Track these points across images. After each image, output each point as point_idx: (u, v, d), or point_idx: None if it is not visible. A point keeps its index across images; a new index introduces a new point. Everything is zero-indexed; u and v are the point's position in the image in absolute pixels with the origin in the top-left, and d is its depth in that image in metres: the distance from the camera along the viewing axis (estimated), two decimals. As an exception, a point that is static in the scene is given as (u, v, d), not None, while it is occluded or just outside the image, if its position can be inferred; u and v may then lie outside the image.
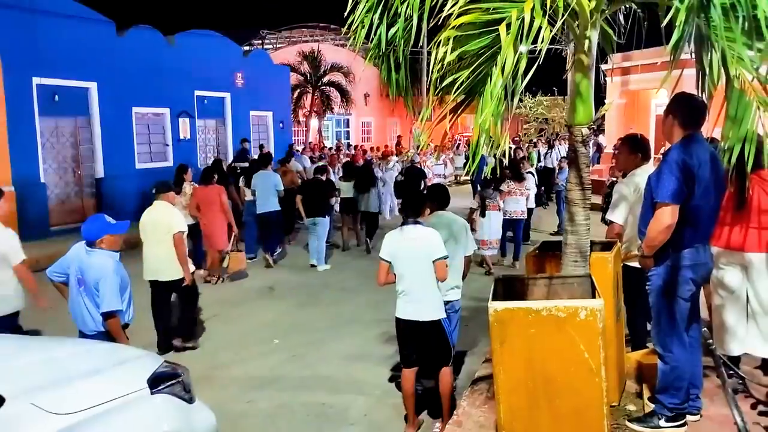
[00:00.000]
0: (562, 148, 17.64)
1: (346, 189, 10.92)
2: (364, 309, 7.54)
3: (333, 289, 8.64)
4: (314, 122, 23.81)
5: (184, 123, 15.10)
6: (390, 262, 4.34)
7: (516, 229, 9.61)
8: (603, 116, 20.11)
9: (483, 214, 8.86)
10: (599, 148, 21.56)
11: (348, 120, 28.67)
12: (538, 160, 18.62)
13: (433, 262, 4.22)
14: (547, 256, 4.45)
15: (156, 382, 3.16)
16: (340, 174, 12.10)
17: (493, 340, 3.44)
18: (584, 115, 3.98)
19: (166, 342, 6.07)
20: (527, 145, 21.81)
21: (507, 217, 9.39)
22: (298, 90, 22.60)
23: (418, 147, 18.39)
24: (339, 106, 23.66)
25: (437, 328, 4.34)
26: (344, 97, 23.36)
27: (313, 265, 9.60)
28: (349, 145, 24.07)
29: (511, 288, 3.87)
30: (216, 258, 8.52)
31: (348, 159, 14.55)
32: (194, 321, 6.52)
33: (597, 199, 11.39)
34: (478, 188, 13.42)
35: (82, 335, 4.19)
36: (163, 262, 5.91)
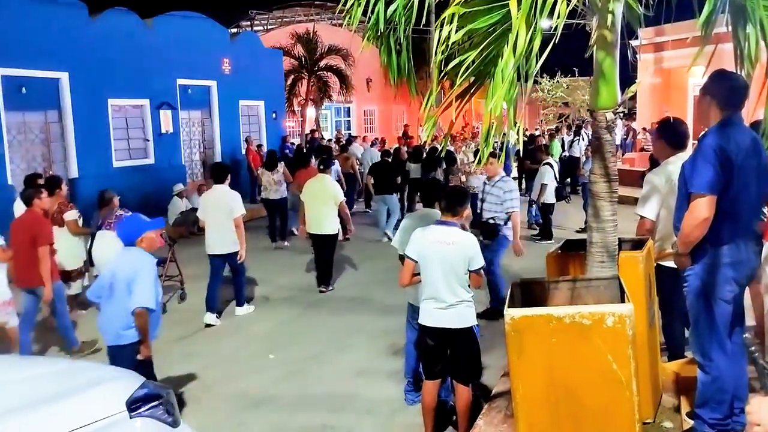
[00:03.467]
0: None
1: (414, 170, 13.16)
2: (370, 318, 7.56)
3: (335, 296, 8.66)
4: (311, 111, 23.82)
5: (165, 115, 15.17)
6: (416, 262, 4.39)
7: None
8: (634, 98, 20.04)
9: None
10: (633, 133, 21.49)
11: (348, 108, 28.70)
12: (562, 149, 18.58)
13: (470, 271, 4.29)
14: (571, 257, 4.45)
15: (135, 404, 3.18)
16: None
17: (510, 352, 3.44)
18: (608, 97, 3.98)
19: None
20: (547, 132, 21.77)
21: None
22: (293, 76, 22.57)
23: (432, 138, 18.54)
24: (338, 93, 23.65)
25: (468, 337, 4.39)
26: (344, 83, 23.33)
27: (386, 236, 11.71)
28: (350, 136, 24.13)
29: (529, 293, 3.87)
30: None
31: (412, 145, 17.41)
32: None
33: (628, 191, 11.45)
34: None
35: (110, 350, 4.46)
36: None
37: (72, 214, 7.72)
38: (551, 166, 11.62)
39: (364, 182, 14.50)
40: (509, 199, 7.16)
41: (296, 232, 11.06)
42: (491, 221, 7.27)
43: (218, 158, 16.99)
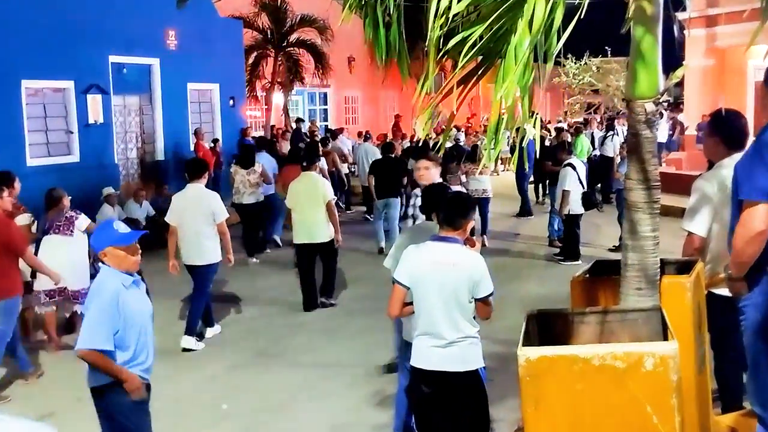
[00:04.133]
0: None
1: None
2: (352, 356, 7.56)
3: (311, 327, 8.66)
4: (278, 97, 23.84)
5: (94, 101, 15.10)
6: (408, 288, 4.40)
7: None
8: (681, 85, 20.18)
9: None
10: (680, 128, 21.58)
11: (325, 95, 28.76)
12: (593, 147, 18.70)
13: (476, 300, 4.29)
14: (601, 282, 4.46)
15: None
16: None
17: (525, 401, 3.44)
18: (648, 84, 4.02)
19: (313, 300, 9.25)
20: (573, 125, 21.92)
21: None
22: (255, 53, 22.59)
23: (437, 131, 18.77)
24: (312, 76, 23.68)
25: (473, 383, 4.39)
26: (319, 63, 23.39)
27: (381, 250, 12.22)
28: (327, 129, 24.14)
29: (549, 327, 3.88)
30: None
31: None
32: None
33: (673, 200, 11.53)
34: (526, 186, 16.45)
35: None
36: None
37: (24, 218, 7.80)
38: (574, 168, 11.59)
39: (363, 184, 15.26)
40: None
41: (279, 241, 11.79)
42: None
43: (160, 155, 16.98)
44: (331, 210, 9.29)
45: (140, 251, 4.47)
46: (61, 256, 7.67)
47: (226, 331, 8.63)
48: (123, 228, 4.46)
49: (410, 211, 7.21)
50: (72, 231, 7.89)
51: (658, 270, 4.12)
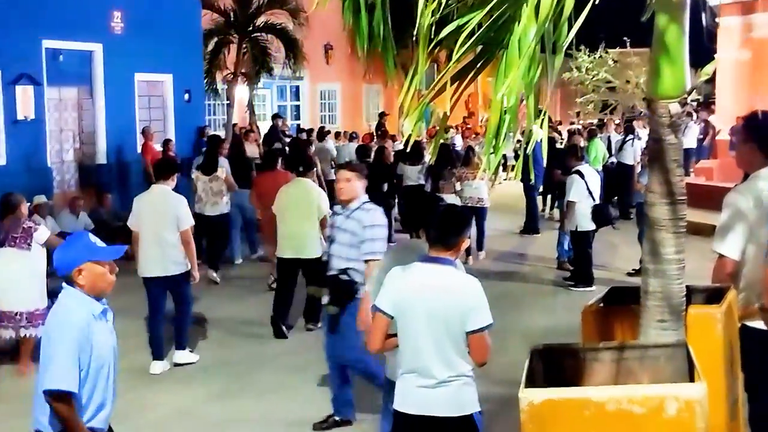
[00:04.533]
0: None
1: (411, 174, 14.18)
2: (323, 400, 7.50)
3: (278, 362, 8.63)
4: (242, 91, 23.82)
5: (24, 94, 15.02)
6: (392, 317, 4.38)
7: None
8: (712, 81, 20.28)
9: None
10: (711, 132, 21.65)
11: (297, 88, 28.76)
12: (609, 153, 18.79)
13: (468, 333, 4.26)
14: (617, 312, 4.48)
15: None
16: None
17: (528, 453, 3.44)
18: (673, 82, 4.05)
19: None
20: (587, 127, 22.06)
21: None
22: (216, 39, 22.58)
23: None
24: (283, 66, 23.70)
25: (467, 429, 4.36)
26: (291, 51, 23.40)
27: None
28: (299, 129, 24.11)
29: (556, 364, 3.89)
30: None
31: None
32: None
33: (703, 216, 11.54)
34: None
35: None
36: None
37: None
38: (582, 176, 11.51)
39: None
40: (370, 239, 6.48)
41: (263, 254, 12.06)
42: (343, 276, 6.57)
43: (102, 158, 16.87)
44: (325, 225, 9.24)
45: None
46: (16, 272, 7.64)
47: (183, 367, 8.56)
48: (99, 240, 4.40)
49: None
50: (29, 244, 7.89)
51: (684, 299, 4.14)
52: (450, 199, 11.90)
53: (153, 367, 8.18)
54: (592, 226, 11.55)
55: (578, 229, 11.53)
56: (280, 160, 12.24)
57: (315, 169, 10.95)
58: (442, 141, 16.34)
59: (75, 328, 4.16)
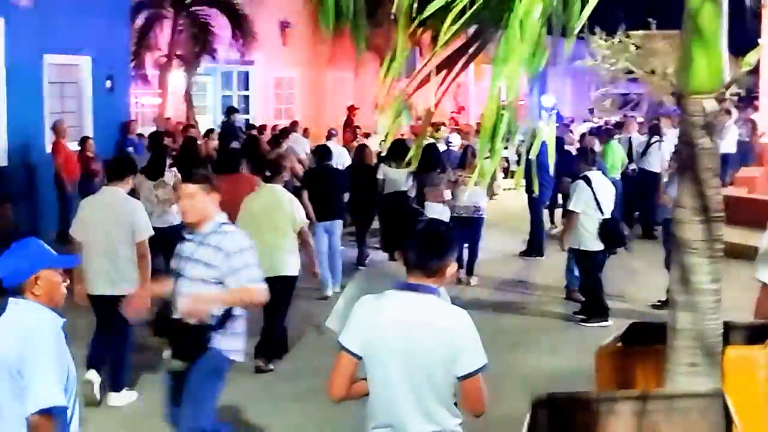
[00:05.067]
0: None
1: (395, 178, 14.14)
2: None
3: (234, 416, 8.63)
4: (177, 77, 23.79)
5: None
6: (360, 358, 4.38)
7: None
8: (755, 72, 20.41)
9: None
10: (754, 132, 21.77)
11: (246, 74, 28.69)
12: (629, 159, 18.90)
13: (459, 378, 4.28)
14: (639, 353, 4.50)
15: None
16: None
17: None
18: (708, 73, 4.08)
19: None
20: (603, 125, 22.20)
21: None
22: (147, 13, 22.57)
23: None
24: (228, 47, 23.69)
25: None
26: (239, 29, 23.42)
27: (326, 297, 12.69)
28: (248, 124, 24.03)
29: (564, 416, 3.91)
30: None
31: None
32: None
33: (744, 237, 11.56)
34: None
35: None
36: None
37: None
38: (589, 183, 11.44)
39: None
40: (244, 267, 6.39)
41: None
42: (191, 320, 6.26)
43: (2, 159, 16.77)
44: (304, 237, 9.80)
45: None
46: None
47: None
48: (47, 248, 4.55)
49: None
50: None
51: (720, 338, 4.17)
52: (437, 209, 12.23)
53: (89, 375, 8.28)
54: (599, 246, 11.48)
55: (581, 248, 11.56)
56: (243, 163, 12.56)
57: (284, 173, 10.93)
58: (431, 140, 16.54)
59: (49, 340, 4.33)
